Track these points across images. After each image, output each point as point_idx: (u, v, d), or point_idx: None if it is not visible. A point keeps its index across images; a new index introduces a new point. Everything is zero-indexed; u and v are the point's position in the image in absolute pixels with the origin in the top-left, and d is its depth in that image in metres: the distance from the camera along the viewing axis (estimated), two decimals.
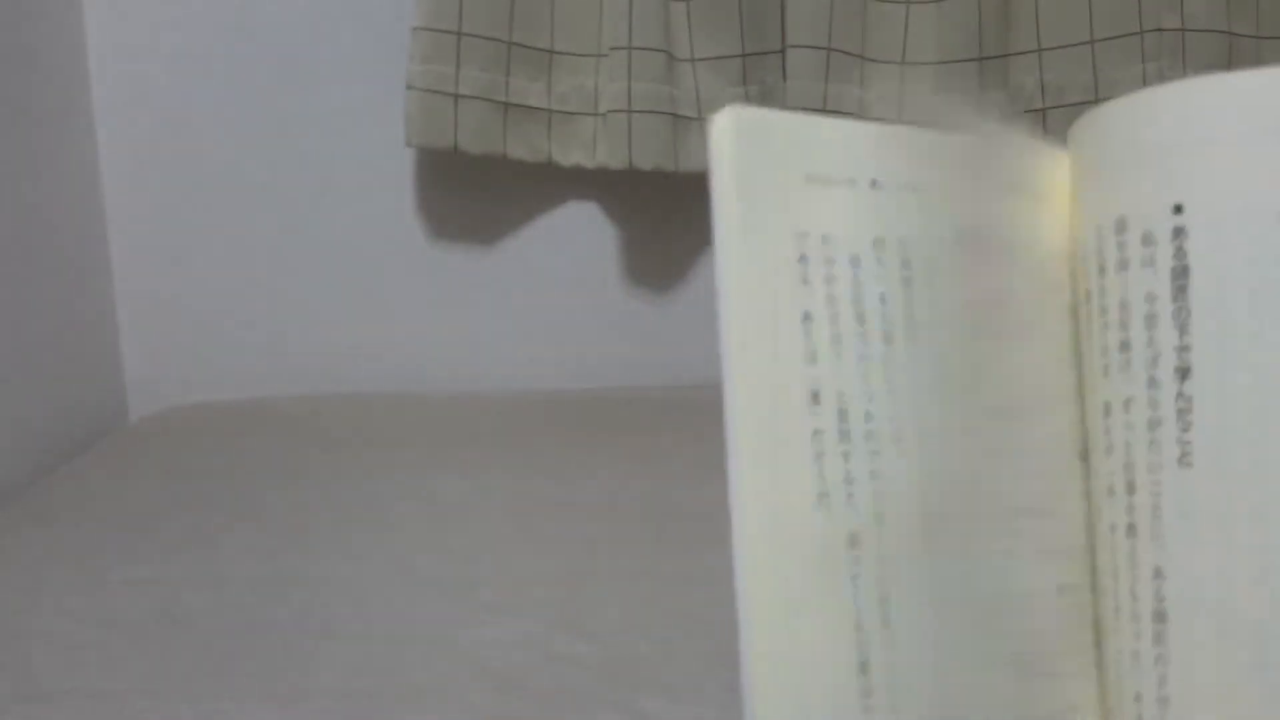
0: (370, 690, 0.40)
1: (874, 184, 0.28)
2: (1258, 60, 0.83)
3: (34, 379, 0.75)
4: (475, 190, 0.87)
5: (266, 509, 0.59)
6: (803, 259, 0.26)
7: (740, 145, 0.26)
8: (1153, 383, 0.25)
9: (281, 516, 0.58)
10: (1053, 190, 0.29)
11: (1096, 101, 0.77)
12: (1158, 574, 0.25)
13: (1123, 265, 0.26)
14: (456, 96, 0.78)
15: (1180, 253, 0.25)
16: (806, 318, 0.26)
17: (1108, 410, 0.26)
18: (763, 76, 0.83)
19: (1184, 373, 0.25)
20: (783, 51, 0.81)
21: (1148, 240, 0.25)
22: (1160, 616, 0.24)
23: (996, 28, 0.81)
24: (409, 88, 0.78)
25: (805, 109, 0.81)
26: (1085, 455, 0.28)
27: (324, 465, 0.67)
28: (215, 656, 0.43)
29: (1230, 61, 0.82)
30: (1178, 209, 0.25)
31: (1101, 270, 0.27)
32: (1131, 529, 0.26)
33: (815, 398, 0.26)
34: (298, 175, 0.87)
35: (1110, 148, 0.27)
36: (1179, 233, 0.25)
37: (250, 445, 0.71)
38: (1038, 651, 0.27)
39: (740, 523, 0.25)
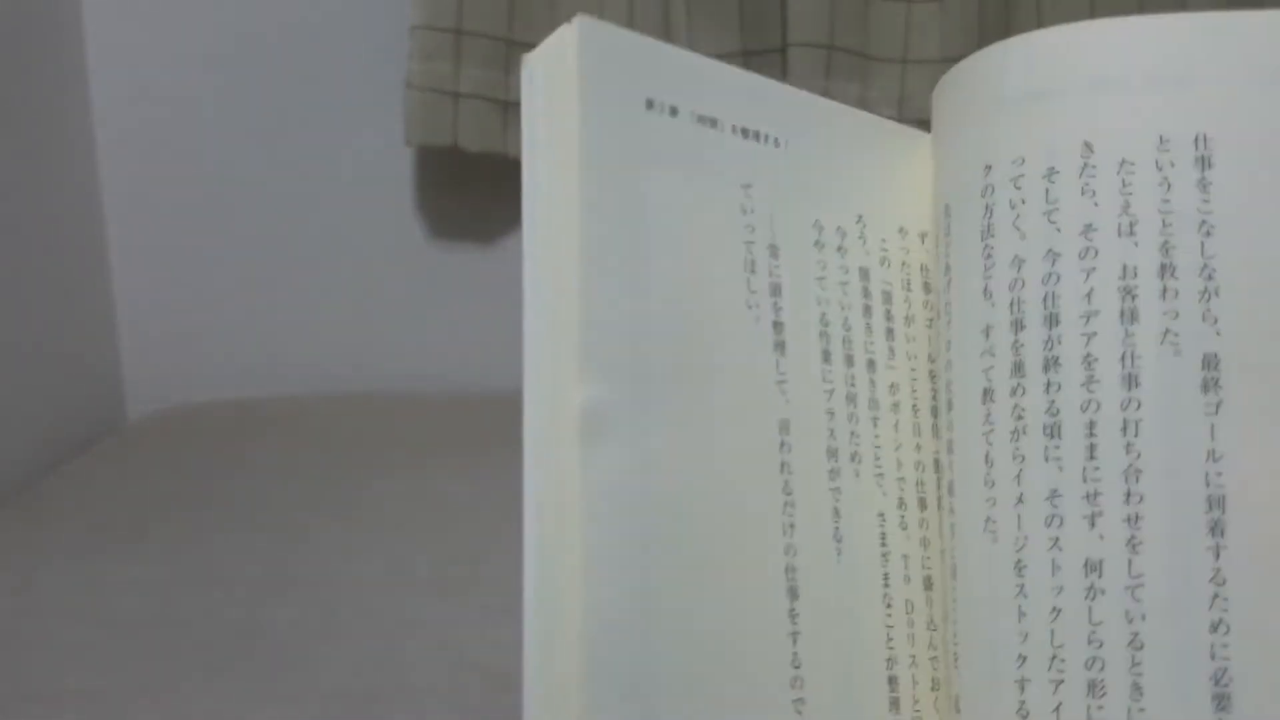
0: (370, 690, 0.40)
1: (738, 130, 0.26)
2: None
3: (32, 378, 0.75)
4: (475, 190, 0.87)
5: (266, 509, 0.59)
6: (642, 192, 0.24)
7: (586, 60, 0.24)
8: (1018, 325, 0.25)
9: (281, 516, 0.58)
10: (917, 177, 0.29)
11: None
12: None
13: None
14: (456, 95, 0.78)
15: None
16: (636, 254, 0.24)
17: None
18: (763, 74, 0.82)
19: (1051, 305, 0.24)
20: (783, 50, 0.81)
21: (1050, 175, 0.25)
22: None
23: (998, 25, 0.81)
24: (408, 86, 0.78)
25: None
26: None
27: (323, 465, 0.66)
28: (215, 656, 0.43)
29: None
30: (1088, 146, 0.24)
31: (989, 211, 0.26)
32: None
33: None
34: (297, 175, 0.86)
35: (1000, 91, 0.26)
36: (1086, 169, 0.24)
37: (250, 445, 0.71)
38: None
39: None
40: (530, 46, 0.26)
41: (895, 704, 0.26)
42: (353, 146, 0.86)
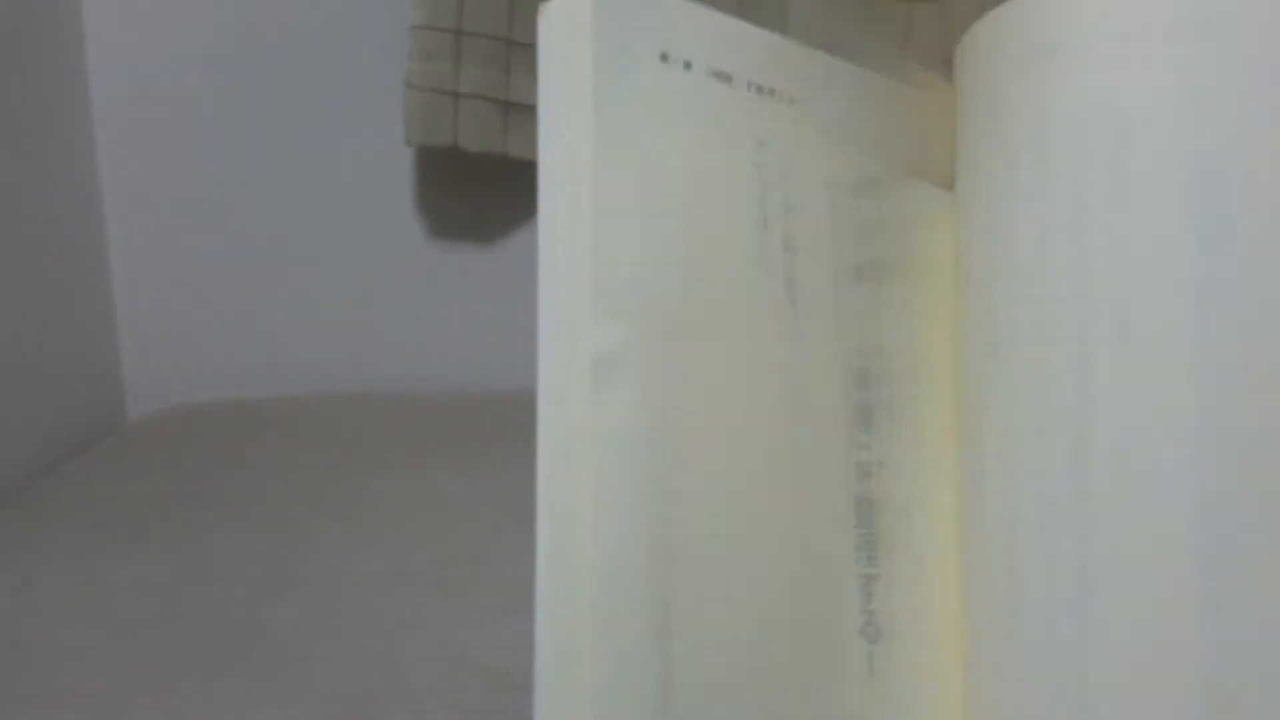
0: (370, 690, 0.40)
1: (753, 87, 0.26)
2: None
3: (32, 378, 0.75)
4: (475, 190, 0.87)
5: (266, 509, 0.59)
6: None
7: (601, 11, 0.23)
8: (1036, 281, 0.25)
9: (281, 516, 0.58)
10: (941, 131, 0.28)
11: None
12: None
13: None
14: (456, 95, 0.78)
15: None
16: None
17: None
18: None
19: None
20: None
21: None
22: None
23: None
24: (408, 87, 0.78)
25: None
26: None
27: (323, 465, 0.66)
28: (215, 656, 0.43)
29: None
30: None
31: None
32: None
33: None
34: (297, 175, 0.86)
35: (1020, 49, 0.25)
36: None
37: (249, 445, 0.71)
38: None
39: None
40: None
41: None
42: (353, 146, 0.86)
